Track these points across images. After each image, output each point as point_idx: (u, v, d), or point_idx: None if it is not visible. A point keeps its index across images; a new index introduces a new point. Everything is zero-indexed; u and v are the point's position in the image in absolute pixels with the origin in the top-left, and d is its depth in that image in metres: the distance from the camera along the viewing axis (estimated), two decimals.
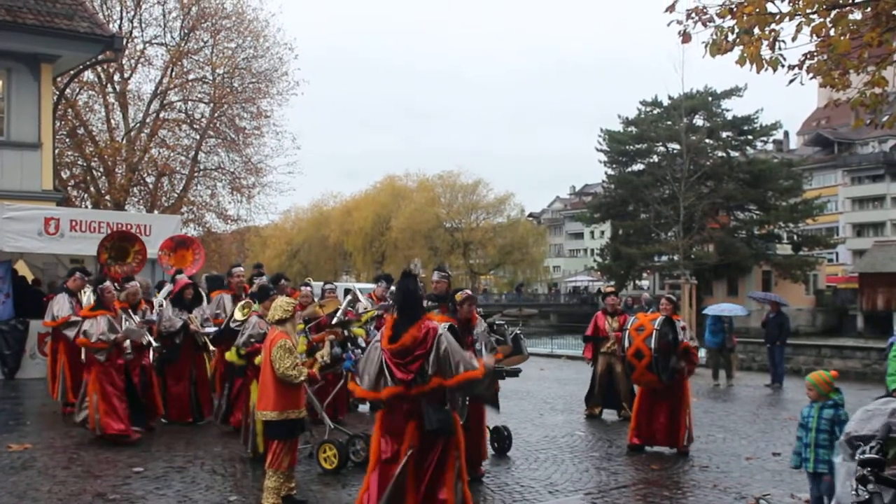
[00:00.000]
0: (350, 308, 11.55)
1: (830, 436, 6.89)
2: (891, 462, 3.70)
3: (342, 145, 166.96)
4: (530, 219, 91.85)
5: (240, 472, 9.17)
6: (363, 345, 10.22)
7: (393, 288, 11.29)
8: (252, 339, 9.51)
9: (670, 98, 60.42)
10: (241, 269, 13.63)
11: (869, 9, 8.47)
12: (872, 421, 2.50)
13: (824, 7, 8.13)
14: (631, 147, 64.65)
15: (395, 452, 6.19)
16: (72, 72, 24.45)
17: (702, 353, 18.23)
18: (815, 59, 8.70)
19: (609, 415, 13.75)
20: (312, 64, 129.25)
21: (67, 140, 30.64)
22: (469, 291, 9.16)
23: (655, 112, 64.15)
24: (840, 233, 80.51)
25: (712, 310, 20.54)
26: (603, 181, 70.40)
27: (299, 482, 8.27)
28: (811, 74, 8.77)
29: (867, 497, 4.63)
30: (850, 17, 8.40)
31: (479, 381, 6.30)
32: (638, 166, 65.23)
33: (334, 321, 10.63)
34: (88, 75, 30.04)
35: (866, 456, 4.84)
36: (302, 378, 7.54)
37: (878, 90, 8.87)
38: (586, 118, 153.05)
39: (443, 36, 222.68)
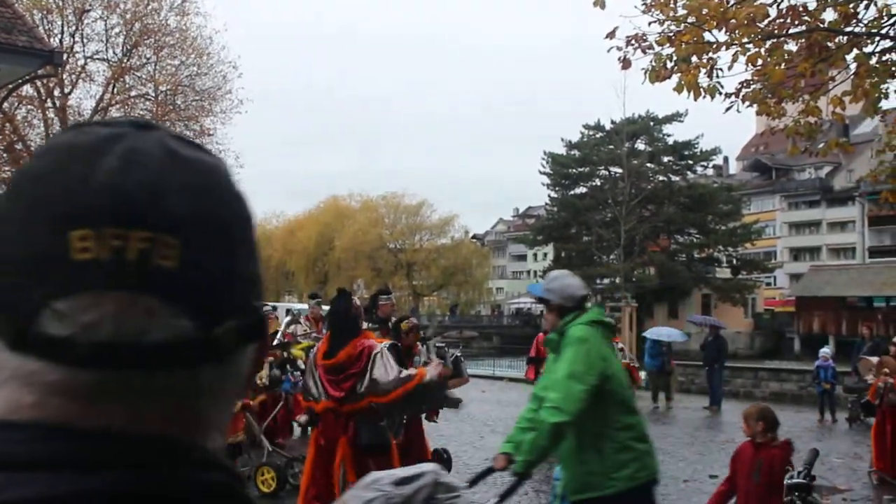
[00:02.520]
0: (288, 330, 11.47)
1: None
2: None
3: (288, 164, 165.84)
4: (474, 240, 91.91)
5: None
6: (302, 367, 10.17)
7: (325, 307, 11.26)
8: None
9: (612, 122, 61.05)
10: None
11: (802, 40, 8.69)
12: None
13: (760, 37, 8.32)
14: (573, 170, 64.99)
15: (328, 467, 6.17)
16: (10, 86, 24.00)
17: (642, 374, 18.44)
18: (751, 87, 8.91)
19: None
20: (260, 83, 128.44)
21: (5, 155, 30.03)
22: (414, 320, 9.16)
23: (598, 136, 64.62)
24: (778, 257, 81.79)
25: (652, 333, 20.75)
26: (546, 204, 70.64)
27: None
28: (747, 102, 8.98)
29: None
30: (785, 47, 8.61)
31: (418, 392, 6.29)
32: (580, 189, 65.58)
33: (275, 343, 10.57)
34: (27, 90, 29.49)
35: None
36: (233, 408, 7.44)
37: (812, 119, 9.11)
38: (530, 140, 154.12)
39: (393, 54, 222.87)
